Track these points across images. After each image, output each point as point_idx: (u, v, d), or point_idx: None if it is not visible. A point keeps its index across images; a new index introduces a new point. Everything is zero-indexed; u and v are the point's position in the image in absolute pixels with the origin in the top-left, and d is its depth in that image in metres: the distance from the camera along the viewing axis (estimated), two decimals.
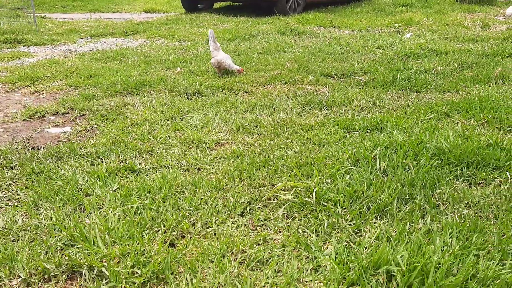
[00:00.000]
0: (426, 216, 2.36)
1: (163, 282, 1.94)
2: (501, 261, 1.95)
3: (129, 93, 5.02)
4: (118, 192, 2.70)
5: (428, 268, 1.84)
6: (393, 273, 1.87)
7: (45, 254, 2.11)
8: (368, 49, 6.88)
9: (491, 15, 10.86)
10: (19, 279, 1.97)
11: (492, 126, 3.58)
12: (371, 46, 7.08)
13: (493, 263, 1.92)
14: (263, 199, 2.63)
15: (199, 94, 4.89)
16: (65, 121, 4.28)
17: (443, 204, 2.48)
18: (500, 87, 4.67)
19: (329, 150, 3.18)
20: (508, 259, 1.96)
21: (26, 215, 2.53)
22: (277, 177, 2.88)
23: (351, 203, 2.49)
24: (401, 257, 1.92)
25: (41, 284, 1.95)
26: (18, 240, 2.28)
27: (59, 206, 2.58)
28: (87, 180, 2.90)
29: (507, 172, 2.75)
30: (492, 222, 2.29)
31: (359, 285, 1.85)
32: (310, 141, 3.41)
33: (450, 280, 1.79)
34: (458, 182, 2.73)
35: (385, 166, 2.85)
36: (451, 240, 2.09)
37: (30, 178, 2.97)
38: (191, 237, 2.25)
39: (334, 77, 5.49)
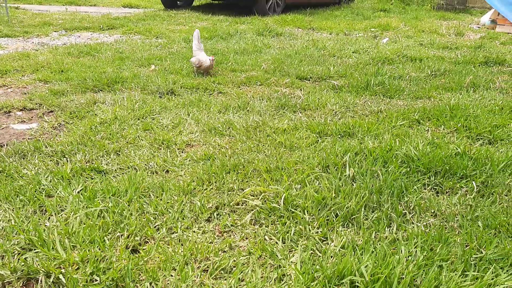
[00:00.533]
0: (392, 225, 2.36)
1: None
2: (463, 273, 1.96)
3: (101, 90, 4.90)
4: (81, 194, 2.62)
5: (392, 279, 1.84)
6: (357, 284, 1.86)
7: (1, 259, 2.03)
8: (344, 53, 6.91)
9: (466, 23, 11.07)
10: None
11: (462, 134, 3.63)
12: (347, 50, 7.11)
13: (455, 274, 1.93)
14: (231, 204, 2.60)
15: (173, 93, 4.81)
16: (32, 117, 4.16)
17: (409, 212, 2.49)
18: (471, 95, 4.75)
19: (300, 155, 3.17)
20: (471, 270, 1.98)
21: None
22: (247, 181, 2.85)
23: (319, 210, 2.48)
24: (365, 267, 1.91)
25: None
26: None
27: (19, 208, 2.49)
28: (50, 181, 2.81)
29: (473, 182, 2.78)
30: (457, 232, 2.31)
31: None
32: (282, 145, 3.39)
33: None
34: (426, 190, 2.75)
35: (354, 173, 2.85)
36: (416, 251, 2.09)
37: None
38: (154, 243, 2.20)
39: (309, 80, 5.48)
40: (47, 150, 3.28)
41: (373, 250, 2.09)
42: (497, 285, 1.88)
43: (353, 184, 2.73)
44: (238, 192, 2.73)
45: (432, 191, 2.75)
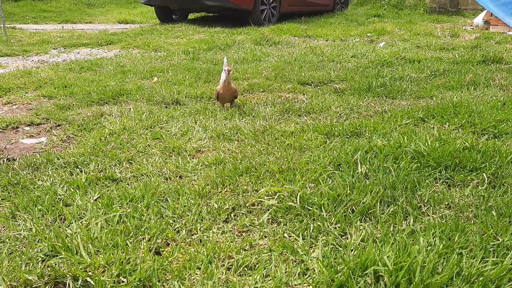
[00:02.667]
0: (409, 218, 2.40)
1: None
2: (483, 259, 2.00)
3: (106, 103, 4.95)
4: (99, 202, 2.65)
5: (414, 267, 1.87)
6: (380, 273, 1.89)
7: (26, 266, 2.05)
8: (343, 57, 6.99)
9: (460, 25, 11.22)
10: None
11: (467, 130, 3.68)
12: (345, 55, 7.20)
13: (476, 260, 1.96)
14: (247, 204, 2.63)
15: (178, 103, 4.86)
16: (40, 131, 4.19)
17: (424, 205, 2.53)
18: (472, 92, 4.82)
19: (311, 155, 3.21)
20: (490, 256, 2.01)
21: (3, 227, 2.46)
22: (260, 182, 2.88)
23: (335, 206, 2.51)
24: (387, 257, 1.94)
25: None
26: None
27: (38, 217, 2.51)
28: (66, 190, 2.83)
29: (483, 174, 2.83)
30: (472, 222, 2.35)
31: (348, 286, 1.86)
32: (291, 147, 3.44)
33: (436, 278, 1.82)
34: (438, 184, 2.79)
35: (367, 170, 2.89)
36: (435, 240, 2.13)
37: (6, 190, 2.89)
38: (176, 245, 2.22)
39: (311, 85, 5.55)
40: (59, 161, 3.31)
41: (393, 241, 2.12)
42: None
43: (366, 181, 2.77)
44: (253, 193, 2.76)
45: (444, 184, 2.79)
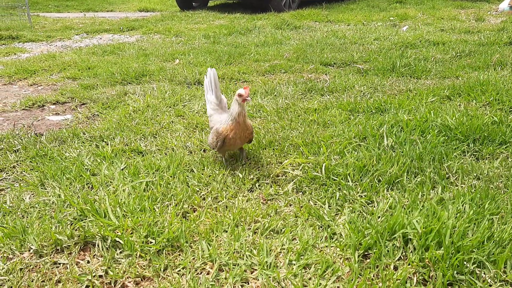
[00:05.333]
0: (437, 187, 2.36)
1: (178, 250, 1.92)
2: None
3: (129, 83, 4.99)
4: (125, 171, 2.67)
5: (444, 231, 1.84)
6: (409, 237, 1.87)
7: (56, 228, 2.08)
8: (365, 40, 6.90)
9: (484, 10, 10.94)
10: (31, 251, 1.95)
11: (494, 107, 3.59)
12: (368, 38, 7.10)
13: (508, 226, 1.92)
14: (271, 175, 2.62)
15: (199, 83, 4.86)
16: (65, 109, 4.25)
17: (452, 176, 2.48)
18: (499, 72, 4.70)
19: (335, 130, 3.18)
20: None
21: (33, 194, 2.50)
22: (284, 155, 2.87)
23: (361, 176, 2.49)
24: (416, 221, 1.92)
25: (53, 255, 1.92)
26: (26, 216, 2.25)
27: (66, 185, 2.55)
28: (92, 161, 2.87)
29: None
30: (502, 192, 2.30)
31: (376, 249, 1.84)
32: (314, 123, 3.41)
33: (467, 241, 1.79)
34: (466, 156, 2.73)
35: (393, 142, 2.85)
36: (464, 207, 2.09)
37: (35, 160, 2.94)
38: (203, 210, 2.23)
39: (333, 66, 5.49)
40: (85, 136, 3.36)
41: (421, 208, 2.09)
42: None
43: (392, 153, 2.73)
44: (277, 165, 2.75)
45: (472, 157, 2.74)
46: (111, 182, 2.56)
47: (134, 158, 2.91)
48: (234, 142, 2.56)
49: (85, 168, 2.77)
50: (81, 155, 2.96)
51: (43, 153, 3.04)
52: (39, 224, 2.12)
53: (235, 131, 2.51)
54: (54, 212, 2.26)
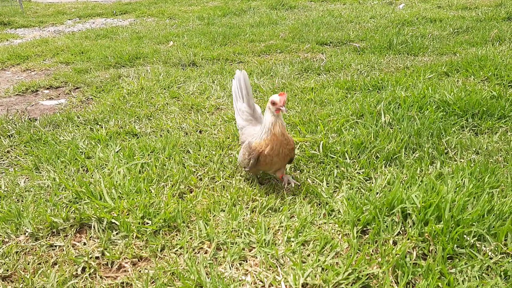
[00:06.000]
0: (435, 162, 2.34)
1: (175, 230, 1.90)
2: None
3: (123, 66, 4.92)
4: (120, 153, 2.64)
5: (443, 205, 1.82)
6: (408, 212, 1.85)
7: (51, 211, 2.06)
8: (361, 19, 6.82)
9: None
10: (27, 234, 1.92)
11: (493, 82, 3.55)
12: (364, 16, 7.01)
13: (508, 199, 1.90)
14: None
15: (194, 65, 4.81)
16: (59, 94, 4.19)
17: (451, 151, 2.46)
18: (497, 47, 4.65)
19: (332, 108, 3.15)
20: None
21: (27, 178, 2.47)
22: None
23: (358, 153, 2.46)
24: (415, 196, 1.89)
25: (49, 238, 1.90)
26: (21, 200, 2.22)
27: (61, 168, 2.52)
28: (87, 144, 2.84)
29: None
30: (502, 165, 2.27)
31: (374, 225, 1.82)
32: (311, 102, 3.37)
33: (467, 215, 1.77)
34: (464, 131, 2.71)
35: (390, 119, 2.82)
36: (464, 181, 2.07)
37: (29, 145, 2.90)
38: (199, 190, 2.21)
39: (329, 45, 5.43)
40: (79, 119, 3.31)
41: (420, 183, 2.07)
42: None
43: (390, 129, 2.70)
44: None
45: (471, 132, 2.71)
46: (106, 164, 2.53)
47: (129, 140, 2.88)
48: (270, 160, 2.03)
49: (80, 151, 2.73)
50: (75, 139, 2.92)
51: (37, 137, 3.00)
52: (34, 208, 2.09)
53: (271, 146, 1.99)
54: (49, 195, 2.23)
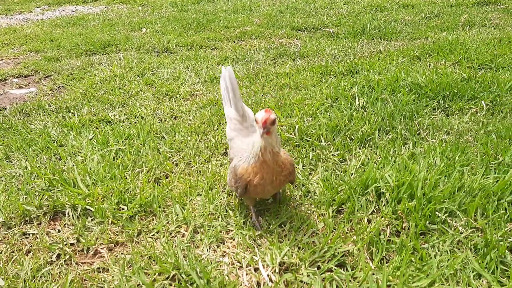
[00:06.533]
0: (408, 143, 2.38)
1: (151, 215, 1.89)
2: (484, 175, 1.99)
3: (95, 53, 4.82)
4: (94, 141, 2.60)
5: (416, 183, 1.86)
6: (382, 191, 1.88)
7: (23, 199, 2.02)
8: (335, 4, 6.84)
9: None
10: None
11: (463, 65, 3.62)
12: (338, 2, 7.04)
13: (477, 176, 1.95)
14: None
15: (168, 51, 4.75)
16: (29, 82, 4.08)
17: (423, 131, 2.50)
18: (468, 32, 4.74)
19: (307, 92, 3.16)
20: (491, 173, 2.01)
21: None
22: None
23: (333, 136, 2.48)
24: (388, 175, 1.93)
25: (22, 226, 1.86)
26: None
27: (33, 157, 2.46)
28: (59, 132, 2.78)
29: (482, 102, 2.80)
30: (472, 145, 2.33)
31: (349, 204, 1.85)
32: (286, 86, 3.38)
33: (439, 192, 1.82)
34: (436, 113, 2.76)
35: (364, 102, 2.85)
36: (435, 160, 2.11)
37: None
38: (175, 176, 2.19)
39: (304, 30, 5.43)
40: (51, 108, 3.24)
41: (393, 163, 2.10)
42: None
43: (364, 112, 2.73)
44: None
45: (443, 113, 2.76)
46: (79, 152, 2.49)
47: (103, 127, 2.84)
48: (262, 190, 1.66)
49: (52, 140, 2.68)
50: (47, 127, 2.86)
51: (7, 126, 2.93)
52: (5, 197, 2.05)
53: (261, 176, 1.62)
54: (21, 184, 2.18)
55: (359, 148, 2.37)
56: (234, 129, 1.92)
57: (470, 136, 2.43)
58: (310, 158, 2.29)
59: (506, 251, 1.53)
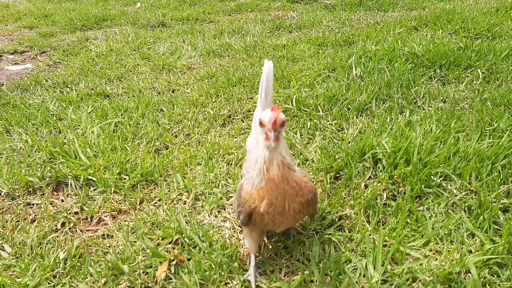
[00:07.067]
0: (405, 111, 2.40)
1: (153, 184, 1.93)
2: (479, 141, 2.02)
3: (90, 29, 4.79)
4: (93, 114, 2.61)
5: (412, 149, 1.89)
6: (379, 157, 1.92)
7: (26, 171, 2.04)
8: None
9: None
10: (2, 194, 1.91)
11: (460, 35, 3.63)
12: None
13: (472, 142, 1.98)
14: (243, 111, 2.61)
15: (164, 25, 4.72)
16: (25, 59, 4.07)
17: (420, 100, 2.53)
18: (465, 1, 4.72)
19: (304, 63, 3.16)
20: (486, 138, 2.04)
21: None
22: (255, 91, 2.84)
23: (331, 106, 2.51)
24: (385, 142, 1.96)
25: (26, 197, 1.90)
26: None
27: (33, 131, 2.48)
28: (58, 106, 2.79)
29: (478, 70, 2.82)
30: (467, 112, 2.36)
31: (347, 171, 1.89)
32: (284, 58, 3.38)
33: (434, 157, 1.85)
34: (433, 81, 2.78)
35: (361, 72, 2.86)
36: (431, 127, 2.14)
37: None
38: (175, 147, 2.22)
39: (300, 2, 5.39)
40: (48, 83, 3.24)
41: (390, 131, 2.13)
42: None
43: (361, 82, 2.75)
44: (248, 101, 2.73)
45: (439, 82, 2.78)
46: (78, 125, 2.51)
47: (101, 101, 2.85)
48: (271, 220, 1.28)
49: (51, 114, 2.69)
50: (45, 102, 2.87)
51: (5, 101, 2.93)
52: (8, 169, 2.07)
53: (269, 201, 1.24)
54: (22, 157, 2.20)
55: (356, 117, 2.39)
56: (256, 138, 1.50)
57: (466, 103, 2.46)
58: (308, 127, 2.32)
59: (499, 211, 1.58)
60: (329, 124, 2.35)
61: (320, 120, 2.37)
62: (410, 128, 2.17)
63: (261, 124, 1.15)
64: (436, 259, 1.42)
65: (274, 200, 1.22)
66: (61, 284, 1.40)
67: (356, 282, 1.35)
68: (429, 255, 1.44)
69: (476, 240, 1.49)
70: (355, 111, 2.43)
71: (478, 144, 1.98)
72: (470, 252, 1.43)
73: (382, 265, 1.38)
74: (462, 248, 1.44)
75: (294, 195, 1.23)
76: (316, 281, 1.36)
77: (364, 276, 1.37)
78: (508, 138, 1.96)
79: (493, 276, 1.34)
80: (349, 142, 2.14)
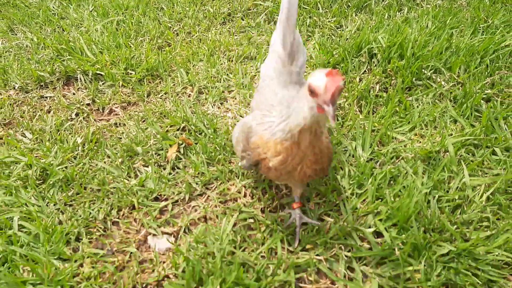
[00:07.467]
0: (403, 9, 2.43)
1: (158, 78, 2.03)
2: (472, 36, 2.09)
3: None
4: (94, 12, 2.63)
5: (406, 44, 1.96)
6: (374, 52, 2.00)
7: (36, 67, 2.13)
8: None
9: None
10: (16, 88, 2.02)
11: None
12: None
13: (465, 38, 2.05)
14: (242, 9, 2.62)
15: None
16: None
17: None
18: None
19: None
20: (478, 34, 2.10)
21: (4, 39, 2.48)
22: None
23: (331, 3, 2.52)
24: (381, 37, 2.02)
25: (39, 90, 2.01)
26: (3, 60, 2.27)
27: (37, 29, 2.52)
28: (58, 5, 2.80)
29: None
30: (464, 9, 2.39)
31: (343, 65, 1.98)
32: None
33: (427, 51, 1.93)
34: None
35: None
36: (427, 23, 2.19)
37: None
38: (177, 44, 2.28)
39: None
40: None
41: (387, 27, 2.19)
42: (506, 41, 2.01)
43: None
44: (247, 0, 2.73)
45: None
46: (81, 23, 2.54)
47: (102, 1, 2.84)
48: (276, 176, 1.21)
49: (52, 13, 2.71)
50: (45, 0, 2.86)
51: (5, 1, 2.93)
52: (18, 65, 2.16)
53: (284, 158, 1.15)
54: (30, 54, 2.28)
55: (355, 14, 2.43)
56: (272, 68, 1.36)
57: (464, 1, 2.48)
58: (307, 25, 2.37)
59: (482, 100, 1.70)
60: (328, 21, 2.39)
61: (319, 17, 2.41)
62: (407, 25, 2.22)
63: (313, 92, 0.94)
64: (420, 141, 1.57)
65: (290, 160, 1.12)
66: (82, 164, 1.57)
67: (346, 160, 1.50)
68: (413, 139, 1.58)
69: (458, 125, 1.63)
70: (355, 8, 2.45)
71: (471, 40, 2.05)
72: (451, 135, 1.58)
73: (370, 147, 1.53)
74: (443, 132, 1.59)
75: (313, 162, 1.14)
76: None
77: (353, 156, 1.53)
78: (501, 33, 2.03)
79: (468, 154, 1.49)
80: (347, 38, 2.21)
